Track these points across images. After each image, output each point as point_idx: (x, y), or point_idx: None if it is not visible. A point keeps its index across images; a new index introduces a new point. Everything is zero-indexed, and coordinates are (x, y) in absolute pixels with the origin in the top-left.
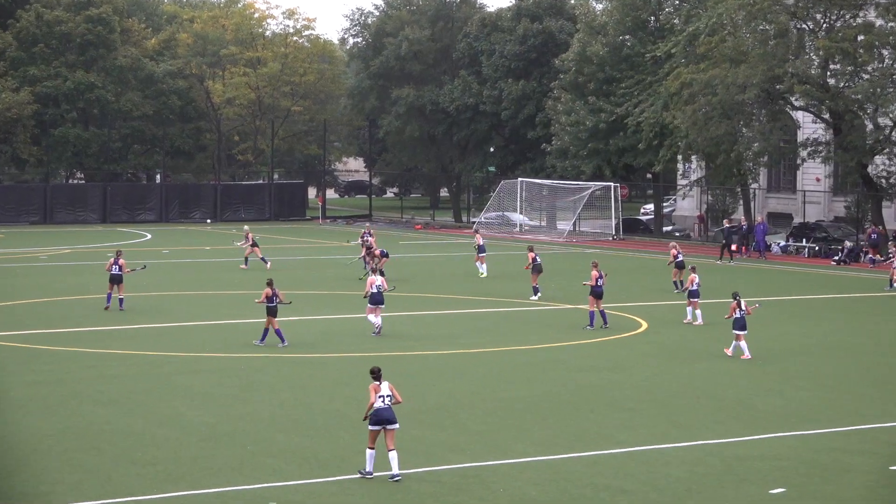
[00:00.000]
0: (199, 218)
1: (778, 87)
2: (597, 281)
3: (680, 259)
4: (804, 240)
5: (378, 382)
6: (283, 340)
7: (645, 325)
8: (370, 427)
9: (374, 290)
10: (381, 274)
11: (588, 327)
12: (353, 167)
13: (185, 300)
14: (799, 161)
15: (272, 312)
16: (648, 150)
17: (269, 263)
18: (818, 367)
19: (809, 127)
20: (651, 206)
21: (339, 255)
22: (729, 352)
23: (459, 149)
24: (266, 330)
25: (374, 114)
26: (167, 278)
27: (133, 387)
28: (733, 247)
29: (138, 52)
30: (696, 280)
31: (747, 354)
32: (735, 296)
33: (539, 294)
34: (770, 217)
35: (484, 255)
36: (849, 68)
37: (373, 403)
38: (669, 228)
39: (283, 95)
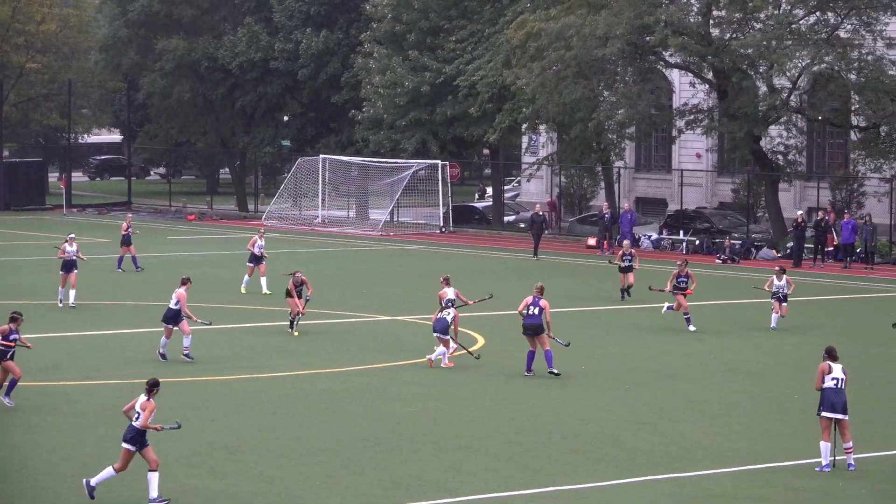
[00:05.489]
0: None
1: (648, 39)
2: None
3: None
4: (681, 232)
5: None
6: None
7: (482, 341)
8: None
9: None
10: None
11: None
12: (108, 140)
13: None
14: (675, 133)
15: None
16: (483, 118)
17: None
18: (701, 393)
19: (688, 90)
20: (489, 190)
21: (95, 254)
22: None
23: (244, 118)
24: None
25: (133, 72)
26: None
27: None
28: (591, 241)
29: None
30: (450, 295)
31: (447, 362)
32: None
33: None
34: (639, 203)
35: (75, 273)
36: (736, 15)
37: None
38: (513, 218)
39: (15, 49)
